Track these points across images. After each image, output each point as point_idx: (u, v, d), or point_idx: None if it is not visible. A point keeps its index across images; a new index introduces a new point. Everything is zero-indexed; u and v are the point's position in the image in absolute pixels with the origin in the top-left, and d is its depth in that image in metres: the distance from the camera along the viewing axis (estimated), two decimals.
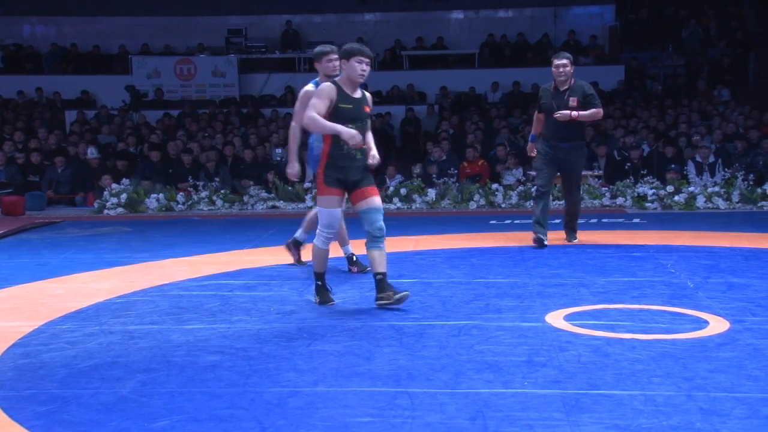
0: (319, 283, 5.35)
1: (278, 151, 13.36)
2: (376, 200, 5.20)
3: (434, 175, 11.96)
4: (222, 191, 11.82)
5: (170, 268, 6.87)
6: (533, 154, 7.68)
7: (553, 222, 8.15)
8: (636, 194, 11.07)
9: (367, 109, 5.23)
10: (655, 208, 10.81)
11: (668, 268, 6.37)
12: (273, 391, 3.62)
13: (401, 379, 3.75)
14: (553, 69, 7.37)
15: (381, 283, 5.15)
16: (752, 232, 8.32)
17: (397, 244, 7.98)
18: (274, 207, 11.63)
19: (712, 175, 11.74)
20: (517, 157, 12.63)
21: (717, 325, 4.57)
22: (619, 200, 11.14)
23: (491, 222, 9.67)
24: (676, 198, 10.81)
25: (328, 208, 5.18)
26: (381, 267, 5.15)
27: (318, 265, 5.32)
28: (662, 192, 10.91)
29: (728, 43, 17.42)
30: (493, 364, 3.94)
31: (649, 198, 10.97)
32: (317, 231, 5.24)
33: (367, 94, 5.35)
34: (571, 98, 7.29)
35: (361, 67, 5.07)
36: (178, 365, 4.04)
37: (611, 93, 16.14)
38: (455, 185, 11.69)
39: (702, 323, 4.64)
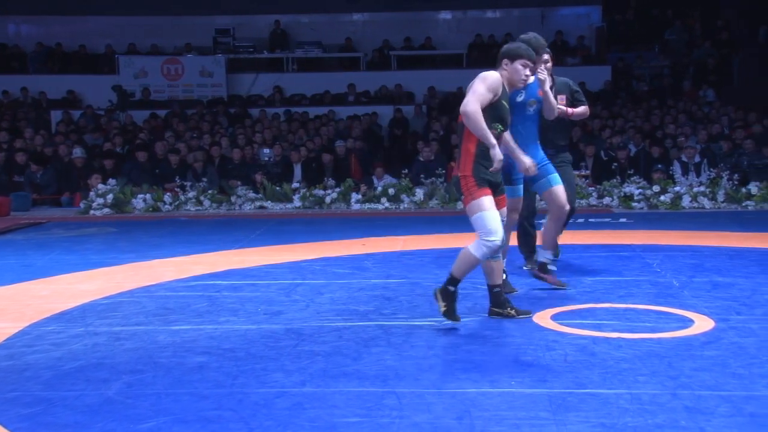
0: (452, 288, 4.65)
1: (266, 151, 13.33)
2: (504, 212, 4.78)
3: (422, 175, 11.97)
4: (209, 191, 11.79)
5: (157, 268, 6.84)
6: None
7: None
8: (622, 194, 11.11)
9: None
10: (642, 208, 10.86)
11: (654, 268, 6.40)
12: (260, 392, 3.61)
13: (389, 379, 3.75)
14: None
15: (497, 296, 4.86)
16: (737, 232, 8.36)
17: (385, 244, 7.99)
18: (261, 207, 11.61)
19: (698, 175, 11.81)
20: None
21: (702, 324, 4.60)
22: (606, 200, 11.18)
23: None
24: (662, 198, 10.86)
25: (486, 211, 4.53)
26: (497, 279, 4.85)
27: (462, 271, 4.62)
28: (648, 192, 10.96)
29: (713, 44, 17.52)
30: (481, 363, 3.95)
31: (635, 198, 11.01)
32: (481, 239, 4.55)
33: None
34: (560, 97, 7.19)
35: (525, 72, 4.67)
36: (164, 366, 4.03)
37: (598, 93, 16.20)
38: (443, 185, 11.71)
39: (687, 322, 4.67)
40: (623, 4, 19.08)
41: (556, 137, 6.16)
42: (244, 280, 6.24)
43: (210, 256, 7.46)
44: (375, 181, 12.22)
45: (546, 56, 6.76)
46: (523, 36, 5.26)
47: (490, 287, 4.87)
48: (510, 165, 5.16)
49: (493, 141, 4.49)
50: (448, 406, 3.37)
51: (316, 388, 3.65)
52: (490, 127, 4.48)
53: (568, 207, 5.51)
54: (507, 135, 4.91)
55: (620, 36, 18.35)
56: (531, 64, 4.71)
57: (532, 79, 5.03)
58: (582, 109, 6.63)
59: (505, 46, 4.78)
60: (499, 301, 4.87)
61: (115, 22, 18.68)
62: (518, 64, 4.64)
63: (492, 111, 4.52)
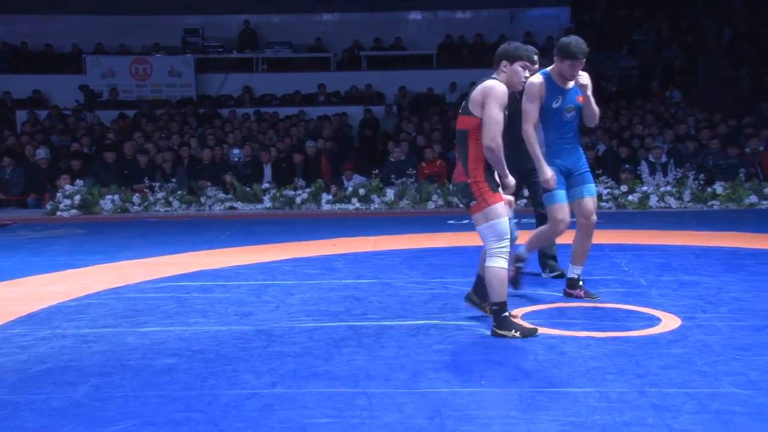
0: (506, 313, 4.43)
1: (235, 151, 13.26)
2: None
3: (393, 176, 11.98)
4: (178, 192, 11.70)
5: (125, 270, 6.78)
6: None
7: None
8: None
9: None
10: (610, 208, 10.97)
11: (622, 267, 6.48)
12: (230, 394, 3.59)
13: (359, 379, 3.75)
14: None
15: (482, 288, 4.76)
16: (703, 231, 8.47)
17: (356, 245, 7.99)
18: (231, 208, 11.55)
19: (665, 174, 11.95)
20: None
21: (669, 322, 4.65)
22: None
23: (449, 222, 9.72)
24: (630, 197, 10.98)
25: (503, 218, 4.40)
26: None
27: (501, 292, 4.39)
28: (616, 191, 11.07)
29: (680, 45, 17.74)
30: (451, 363, 3.97)
31: (603, 197, 11.11)
32: (493, 250, 4.39)
33: None
34: None
35: (525, 74, 4.52)
36: (133, 368, 3.99)
37: None
38: (413, 185, 11.73)
39: (654, 320, 4.72)
40: (592, 5, 19.24)
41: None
42: (214, 281, 6.21)
43: (179, 257, 7.41)
44: (345, 181, 12.21)
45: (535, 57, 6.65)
46: (564, 39, 5.05)
47: (480, 277, 4.74)
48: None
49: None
50: (419, 405, 3.38)
51: (286, 389, 3.64)
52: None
53: (593, 218, 5.22)
54: (534, 141, 4.97)
55: (589, 37, 18.49)
56: (531, 66, 4.54)
57: (571, 84, 4.99)
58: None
59: (503, 47, 4.55)
60: (481, 292, 4.76)
61: (82, 21, 18.45)
62: (518, 66, 4.46)
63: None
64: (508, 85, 4.46)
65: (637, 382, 3.59)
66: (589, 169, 5.24)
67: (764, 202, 10.99)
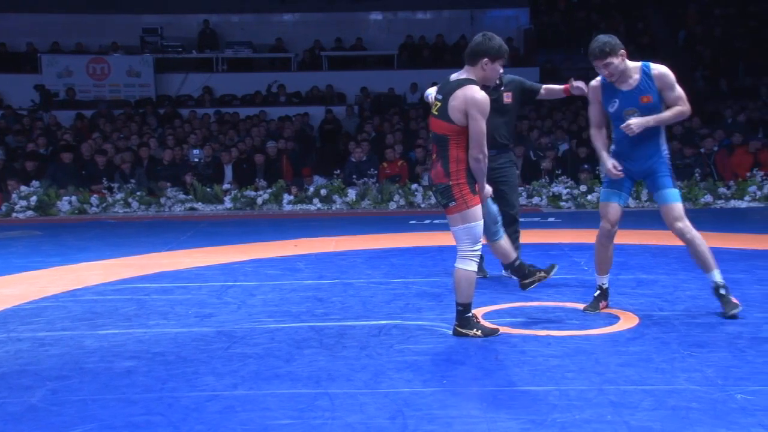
0: (470, 314, 4.48)
1: (196, 152, 13.15)
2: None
3: (354, 176, 11.98)
4: (138, 193, 11.57)
5: (83, 272, 6.69)
6: None
7: None
8: (551, 194, 11.33)
9: None
10: (569, 207, 11.10)
11: (582, 266, 6.55)
12: (191, 396, 3.56)
13: (321, 380, 3.74)
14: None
15: (521, 268, 5.03)
16: (659, 230, 8.56)
17: (317, 245, 7.98)
18: (192, 209, 11.46)
19: None
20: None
21: (627, 321, 4.72)
22: (535, 200, 11.39)
23: (411, 222, 9.75)
24: (589, 197, 11.12)
25: (481, 220, 4.40)
26: (512, 255, 5.02)
27: (468, 294, 4.43)
28: (576, 191, 11.20)
29: (635, 47, 17.99)
30: (413, 363, 3.97)
31: (563, 197, 11.24)
32: (465, 252, 4.39)
33: None
34: (506, 93, 7.06)
35: (500, 72, 4.51)
36: (91, 372, 3.94)
37: None
38: (375, 186, 11.74)
39: (613, 319, 4.78)
40: (550, 7, 19.44)
41: (500, 136, 5.93)
42: (174, 283, 6.15)
43: (139, 259, 7.33)
44: (304, 183, 12.20)
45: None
46: (602, 36, 4.89)
47: (511, 264, 5.00)
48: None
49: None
50: (380, 406, 3.39)
51: (248, 391, 3.62)
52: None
53: (677, 225, 4.91)
54: (596, 140, 5.10)
55: (548, 38, 18.69)
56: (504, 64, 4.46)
57: (629, 86, 4.84)
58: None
59: (485, 42, 4.36)
60: (524, 271, 4.99)
61: (38, 20, 18.13)
62: (498, 65, 4.39)
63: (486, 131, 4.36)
64: (484, 80, 4.41)
65: (597, 380, 3.64)
66: (667, 173, 4.92)
67: (719, 202, 11.21)
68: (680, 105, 4.77)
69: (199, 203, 11.54)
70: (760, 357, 3.94)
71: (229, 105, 16.78)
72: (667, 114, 4.80)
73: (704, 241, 4.77)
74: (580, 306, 5.12)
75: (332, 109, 15.89)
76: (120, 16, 18.28)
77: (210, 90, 17.08)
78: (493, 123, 5.43)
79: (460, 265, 4.41)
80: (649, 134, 4.81)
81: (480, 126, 4.27)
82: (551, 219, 9.97)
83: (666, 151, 4.90)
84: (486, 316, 4.90)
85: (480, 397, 3.47)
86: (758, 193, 11.33)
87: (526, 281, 5.00)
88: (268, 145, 13.16)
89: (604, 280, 5.05)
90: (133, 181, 11.86)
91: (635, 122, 4.73)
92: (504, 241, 4.96)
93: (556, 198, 11.28)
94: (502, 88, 6.01)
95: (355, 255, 7.39)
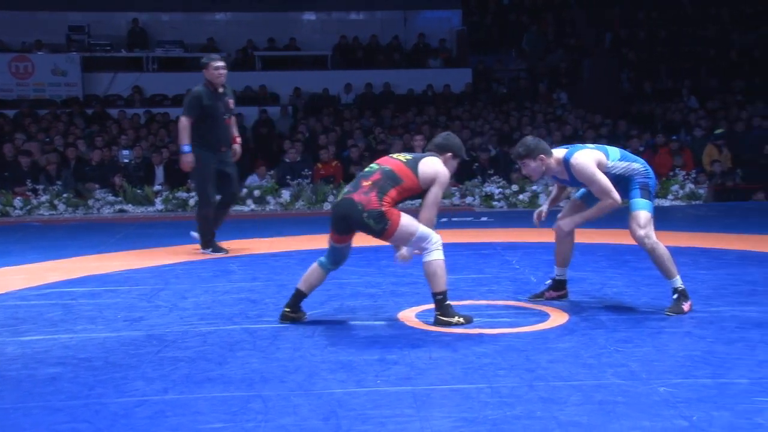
0: (448, 302, 4.69)
1: (125, 152, 12.90)
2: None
3: (288, 177, 11.92)
4: (64, 195, 11.29)
5: (5, 276, 6.49)
6: (188, 168, 7.43)
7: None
8: (484, 193, 11.47)
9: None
10: (502, 207, 11.25)
11: (513, 265, 6.65)
12: (119, 402, 3.49)
13: (254, 382, 3.71)
14: (213, 71, 7.29)
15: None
16: (588, 228, 8.75)
17: (251, 246, 7.91)
18: (121, 211, 11.24)
19: None
20: (370, 158, 12.78)
21: (557, 318, 4.81)
22: (468, 199, 11.51)
23: None
24: (521, 197, 11.30)
25: (419, 225, 4.63)
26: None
27: (442, 282, 4.62)
28: (508, 191, 11.37)
29: (565, 49, 18.37)
30: (347, 363, 3.97)
31: (495, 197, 11.39)
32: (429, 246, 4.59)
33: None
34: (230, 101, 7.54)
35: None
36: (13, 379, 3.82)
37: (460, 95, 16.65)
38: (309, 186, 11.70)
39: (543, 316, 4.87)
40: (482, 9, 19.67)
41: (227, 137, 7.42)
42: (102, 287, 6.02)
43: (65, 263, 7.15)
44: (255, 179, 12.09)
45: (223, 62, 7.29)
46: (528, 139, 5.03)
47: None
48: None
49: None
50: (314, 407, 3.38)
51: (179, 395, 3.56)
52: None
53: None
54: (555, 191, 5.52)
55: (480, 39, 18.93)
56: None
57: (565, 175, 5.00)
58: (233, 119, 7.64)
59: (453, 141, 4.90)
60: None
61: None
62: (454, 162, 4.91)
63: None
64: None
65: (527, 377, 3.70)
66: (636, 187, 4.96)
67: None
68: (602, 199, 4.84)
69: (129, 205, 11.32)
70: (681, 351, 4.07)
71: (160, 105, 16.50)
72: (592, 211, 4.95)
73: (666, 251, 4.89)
74: (513, 303, 5.20)
75: (266, 110, 15.77)
76: (45, 14, 17.80)
77: (140, 90, 16.77)
78: (219, 124, 7.32)
79: (428, 258, 4.59)
80: (618, 181, 4.94)
81: (439, 197, 4.72)
82: (484, 218, 10.09)
83: (639, 178, 4.97)
84: (420, 315, 4.94)
85: (413, 396, 3.49)
86: (680, 191, 11.68)
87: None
88: None
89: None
90: (59, 182, 11.56)
91: (564, 223, 5.08)
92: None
93: (488, 198, 11.43)
94: (225, 96, 7.42)
95: (288, 256, 7.35)
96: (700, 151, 13.12)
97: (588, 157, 4.86)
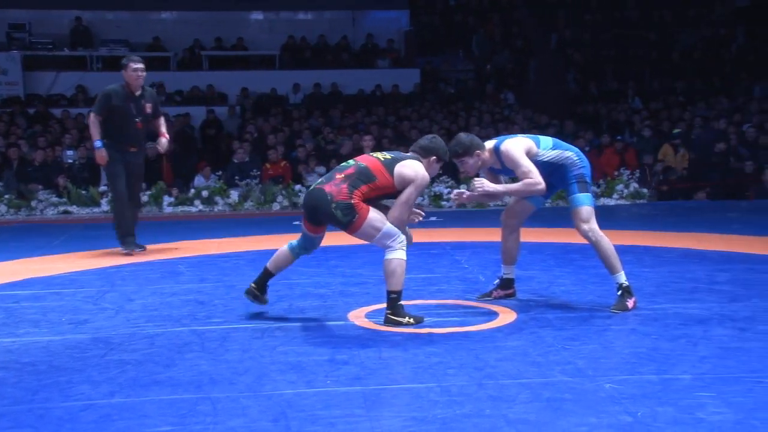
0: (400, 302, 4.69)
1: (69, 152, 12.66)
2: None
3: (237, 177, 11.83)
4: (6, 196, 11.04)
5: None
6: (104, 162, 7.47)
7: None
8: (432, 193, 11.53)
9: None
10: (450, 207, 11.32)
11: (462, 264, 6.70)
12: (64, 406, 3.42)
13: (203, 384, 3.68)
14: (131, 73, 7.36)
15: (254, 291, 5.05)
16: (536, 227, 8.89)
17: (199, 248, 7.83)
18: (66, 212, 11.03)
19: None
20: (319, 158, 12.77)
21: (505, 317, 4.86)
22: (418, 199, 11.55)
23: (294, 223, 9.68)
24: None
25: (387, 222, 4.68)
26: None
27: (399, 282, 4.64)
28: (456, 191, 11.43)
29: (511, 50, 18.58)
30: (297, 364, 3.96)
31: (444, 197, 11.46)
32: (393, 245, 4.63)
33: None
34: (147, 105, 7.54)
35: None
36: None
37: (408, 95, 16.72)
38: (258, 187, 11.63)
39: (492, 315, 4.92)
40: (430, 10, 19.77)
41: (137, 139, 7.48)
42: (46, 289, 5.90)
43: (7, 265, 6.99)
44: (202, 180, 11.97)
45: (143, 64, 7.27)
46: (461, 136, 5.09)
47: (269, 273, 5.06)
48: None
49: None
50: (263, 408, 3.36)
51: (125, 398, 3.51)
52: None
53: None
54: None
55: (427, 40, 19.03)
56: None
57: (498, 166, 5.08)
58: (161, 119, 7.73)
59: (438, 144, 4.93)
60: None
61: None
62: (437, 165, 4.99)
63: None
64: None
65: (476, 375, 3.73)
66: (574, 181, 5.06)
67: None
68: (527, 179, 4.92)
69: (74, 206, 11.12)
70: (627, 348, 4.14)
71: None
72: (517, 186, 5.02)
73: (611, 245, 4.98)
74: (462, 303, 5.24)
75: (213, 110, 15.62)
76: None
77: (84, 89, 16.46)
78: (128, 126, 7.39)
79: (390, 255, 4.62)
80: (552, 170, 5.05)
81: (413, 198, 4.75)
82: (433, 218, 10.14)
83: (575, 170, 5.04)
84: (370, 315, 4.95)
85: (363, 396, 3.49)
86: (625, 191, 11.92)
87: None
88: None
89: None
90: (1, 183, 11.30)
91: (483, 183, 5.01)
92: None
93: (437, 198, 11.49)
94: (142, 98, 7.46)
95: (237, 257, 7.30)
96: (649, 150, 13.35)
97: (516, 143, 4.99)
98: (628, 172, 12.27)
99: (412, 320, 4.66)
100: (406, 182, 4.71)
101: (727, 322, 4.59)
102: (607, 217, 10.11)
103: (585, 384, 3.57)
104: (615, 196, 11.84)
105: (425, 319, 4.74)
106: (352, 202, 4.59)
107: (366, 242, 4.85)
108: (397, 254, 4.63)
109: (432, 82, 17.76)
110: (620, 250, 5.09)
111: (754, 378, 3.59)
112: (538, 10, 19.32)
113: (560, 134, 13.95)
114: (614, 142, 13.40)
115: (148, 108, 7.54)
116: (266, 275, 5.03)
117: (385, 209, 4.78)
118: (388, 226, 4.65)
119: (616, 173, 12.27)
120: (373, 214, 4.64)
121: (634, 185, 12.02)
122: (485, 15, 19.39)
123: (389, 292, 4.67)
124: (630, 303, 4.93)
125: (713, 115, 14.95)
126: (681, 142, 13.30)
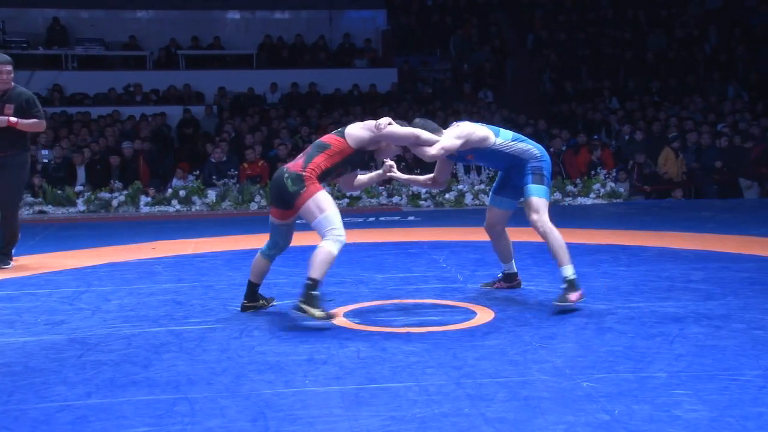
0: (317, 292, 4.62)
1: (44, 152, 12.54)
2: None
3: (214, 177, 11.78)
4: None
5: None
6: None
7: None
8: (411, 193, 11.55)
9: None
10: (428, 206, 11.35)
11: (440, 263, 6.72)
12: (40, 407, 3.40)
13: (181, 385, 3.66)
14: None
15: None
16: (514, 227, 8.91)
17: (176, 247, 7.79)
18: (42, 212, 10.93)
19: (479, 173, 12.51)
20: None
21: (483, 315, 4.88)
22: (395, 199, 11.58)
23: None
24: (447, 196, 11.42)
25: (333, 208, 4.71)
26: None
27: (323, 271, 4.61)
28: (434, 190, 11.47)
29: (490, 50, 18.64)
30: (275, 364, 3.95)
31: (422, 196, 11.48)
32: (332, 235, 4.62)
33: None
34: (7, 105, 6.83)
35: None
36: None
37: (386, 95, 16.72)
38: (235, 186, 11.59)
39: (470, 314, 4.93)
40: (407, 10, 19.79)
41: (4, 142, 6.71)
42: (21, 290, 5.84)
43: None
44: (182, 182, 11.90)
45: (10, 66, 6.93)
46: (417, 120, 5.22)
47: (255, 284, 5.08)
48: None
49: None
50: (241, 408, 3.35)
51: (102, 399, 3.49)
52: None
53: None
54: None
55: (405, 40, 19.05)
56: None
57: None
58: (33, 121, 6.88)
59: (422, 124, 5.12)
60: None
61: None
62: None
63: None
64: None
65: (455, 374, 3.74)
66: (528, 173, 5.20)
67: (567, 199, 11.78)
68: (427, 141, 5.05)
69: (49, 206, 11.02)
70: (603, 346, 4.17)
71: (80, 104, 16.09)
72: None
73: (560, 237, 5.03)
74: (440, 302, 5.25)
75: (190, 109, 15.54)
76: None
77: (60, 88, 16.31)
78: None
79: (324, 245, 4.62)
80: (512, 163, 5.22)
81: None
82: (411, 217, 10.16)
83: (533, 162, 5.16)
84: (348, 314, 4.94)
85: (342, 395, 3.49)
86: (602, 190, 12.01)
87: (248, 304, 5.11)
88: (123, 145, 12.73)
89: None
90: None
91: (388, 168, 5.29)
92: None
93: (415, 197, 11.51)
94: (6, 99, 6.85)
95: (215, 257, 7.27)
96: (628, 151, 13.40)
97: (468, 124, 5.16)
98: (604, 171, 12.36)
99: (324, 315, 4.58)
100: (358, 138, 4.80)
101: (703, 320, 4.64)
102: (583, 216, 10.19)
103: (562, 383, 3.59)
104: (592, 195, 11.92)
105: (402, 318, 4.74)
106: (304, 174, 4.66)
107: (311, 226, 4.74)
108: (330, 246, 4.60)
109: (409, 81, 17.77)
110: (596, 249, 5.13)
111: (729, 376, 3.63)
112: (515, 10, 19.41)
113: (536, 134, 14.04)
114: (590, 141, 13.48)
115: (9, 110, 6.76)
116: (252, 287, 5.05)
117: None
118: (332, 213, 4.64)
119: (592, 172, 12.35)
120: (322, 195, 4.66)
121: (610, 184, 12.11)
122: (462, 15, 19.44)
123: (308, 278, 4.59)
124: (573, 296, 4.92)
125: (705, 119, 14.97)
126: (679, 146, 13.26)
